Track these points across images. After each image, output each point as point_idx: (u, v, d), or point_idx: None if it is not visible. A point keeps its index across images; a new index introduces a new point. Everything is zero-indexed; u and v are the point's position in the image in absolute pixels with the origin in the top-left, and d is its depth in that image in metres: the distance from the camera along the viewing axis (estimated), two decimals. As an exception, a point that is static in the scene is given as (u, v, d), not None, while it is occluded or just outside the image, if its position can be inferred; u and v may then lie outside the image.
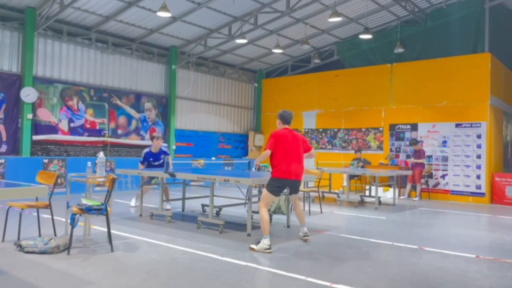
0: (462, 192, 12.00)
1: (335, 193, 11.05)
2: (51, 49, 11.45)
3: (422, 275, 4.60)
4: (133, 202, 9.10)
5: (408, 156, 12.86)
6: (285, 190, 6.04)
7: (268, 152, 5.70)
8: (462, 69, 12.16)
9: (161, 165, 8.70)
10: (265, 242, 5.40)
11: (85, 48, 12.16)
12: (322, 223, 7.68)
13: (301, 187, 9.95)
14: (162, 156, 8.81)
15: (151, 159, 8.73)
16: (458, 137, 12.13)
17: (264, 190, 5.83)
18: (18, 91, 10.69)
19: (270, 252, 5.35)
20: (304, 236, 6.12)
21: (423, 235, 6.88)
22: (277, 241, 6.16)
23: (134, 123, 13.33)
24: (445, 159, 12.34)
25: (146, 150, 8.85)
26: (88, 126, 12.13)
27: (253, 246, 5.49)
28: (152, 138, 8.96)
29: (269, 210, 8.26)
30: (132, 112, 13.28)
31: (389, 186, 11.88)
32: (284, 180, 5.72)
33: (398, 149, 13.32)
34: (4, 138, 10.54)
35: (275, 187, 5.73)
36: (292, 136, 5.84)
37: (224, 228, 6.60)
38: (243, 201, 8.01)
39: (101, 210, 5.16)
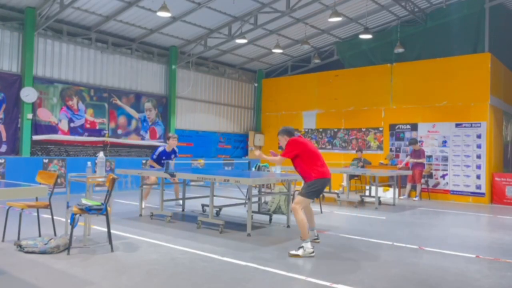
0: (462, 192, 12.00)
1: (335, 193, 11.05)
2: (51, 49, 11.44)
3: (422, 275, 4.60)
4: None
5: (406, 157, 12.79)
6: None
7: (283, 159, 5.63)
8: (462, 69, 12.15)
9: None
10: (308, 247, 5.28)
11: (85, 48, 12.16)
12: (322, 223, 7.67)
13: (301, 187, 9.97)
14: (173, 156, 9.18)
15: (163, 157, 9.02)
16: (458, 137, 12.12)
17: (299, 197, 5.53)
18: (18, 91, 10.69)
19: (313, 256, 5.25)
20: (315, 239, 5.94)
21: (423, 235, 6.88)
22: (277, 241, 6.16)
23: (134, 123, 13.33)
24: (445, 159, 12.34)
25: (161, 148, 9.27)
26: (88, 126, 12.13)
27: (296, 252, 5.25)
28: (168, 138, 9.36)
29: (269, 210, 8.32)
30: (132, 112, 13.27)
31: (389, 186, 11.88)
32: (324, 180, 5.58)
33: (398, 149, 13.32)
34: (4, 138, 10.54)
35: (314, 190, 5.55)
36: (308, 141, 5.88)
37: (224, 228, 6.60)
38: (243, 201, 8.01)
39: (101, 210, 5.15)
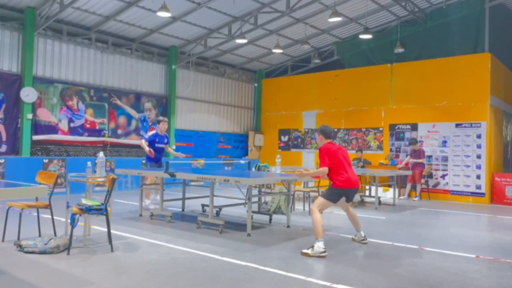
0: (462, 192, 12.00)
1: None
2: (51, 49, 11.45)
3: (422, 275, 4.60)
4: (148, 203, 8.78)
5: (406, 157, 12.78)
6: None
7: (326, 169, 5.65)
8: (462, 69, 12.16)
9: (163, 149, 8.96)
10: (320, 246, 5.24)
11: (85, 48, 12.15)
12: (322, 223, 7.66)
13: (301, 187, 9.98)
14: (165, 141, 9.01)
15: (156, 140, 8.84)
16: (458, 137, 12.12)
17: (320, 198, 5.69)
18: (18, 91, 10.69)
19: (324, 256, 5.19)
20: (363, 240, 6.06)
21: (423, 235, 6.88)
22: (277, 241, 6.16)
23: (134, 123, 13.32)
24: (445, 159, 12.34)
25: (153, 131, 9.05)
26: (88, 126, 12.13)
27: (307, 251, 5.26)
28: (159, 121, 9.02)
29: (269, 210, 8.32)
30: (132, 112, 13.27)
31: (389, 186, 11.88)
32: (345, 190, 5.68)
33: (398, 149, 13.31)
34: (4, 138, 10.54)
35: (335, 195, 5.67)
36: (339, 148, 5.88)
37: (224, 228, 6.60)
38: (243, 201, 8.01)
39: (101, 210, 5.15)
